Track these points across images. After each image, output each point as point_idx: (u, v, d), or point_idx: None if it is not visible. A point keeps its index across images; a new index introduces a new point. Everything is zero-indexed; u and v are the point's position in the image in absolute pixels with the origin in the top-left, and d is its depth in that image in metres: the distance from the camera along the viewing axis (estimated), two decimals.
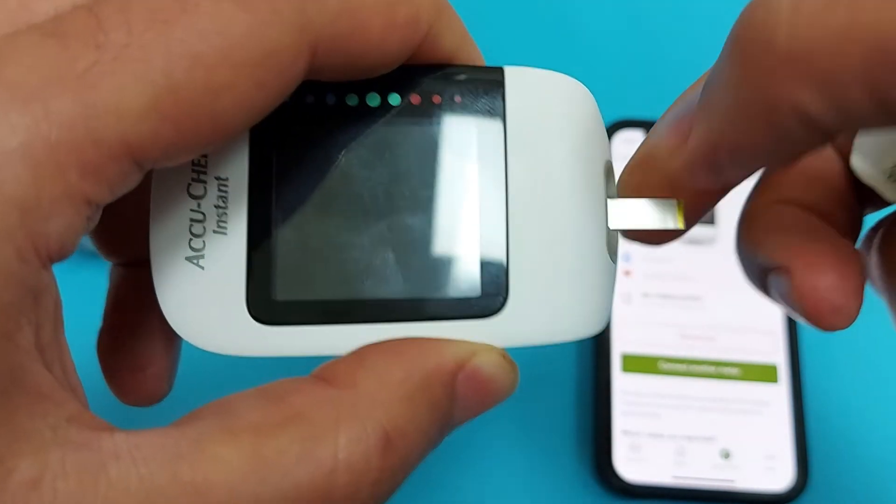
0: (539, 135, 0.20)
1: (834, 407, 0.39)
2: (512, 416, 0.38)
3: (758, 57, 0.15)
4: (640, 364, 0.38)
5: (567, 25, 0.46)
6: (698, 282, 0.40)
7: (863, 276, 0.19)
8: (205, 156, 0.19)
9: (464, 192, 0.19)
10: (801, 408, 0.38)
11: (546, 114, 0.20)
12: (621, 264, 0.40)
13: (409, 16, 0.18)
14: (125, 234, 0.19)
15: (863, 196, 0.21)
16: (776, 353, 0.38)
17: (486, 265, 0.19)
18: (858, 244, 0.21)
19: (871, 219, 0.22)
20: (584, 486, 0.37)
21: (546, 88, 0.20)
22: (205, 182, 0.19)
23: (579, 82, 0.20)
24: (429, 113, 0.19)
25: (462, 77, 0.20)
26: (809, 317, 0.19)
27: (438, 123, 0.19)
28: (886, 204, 0.21)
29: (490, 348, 0.19)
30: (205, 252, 0.19)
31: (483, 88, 0.20)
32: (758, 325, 0.39)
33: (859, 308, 0.19)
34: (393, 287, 0.19)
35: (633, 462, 0.36)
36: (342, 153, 0.19)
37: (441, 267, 0.19)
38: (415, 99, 0.19)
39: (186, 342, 0.19)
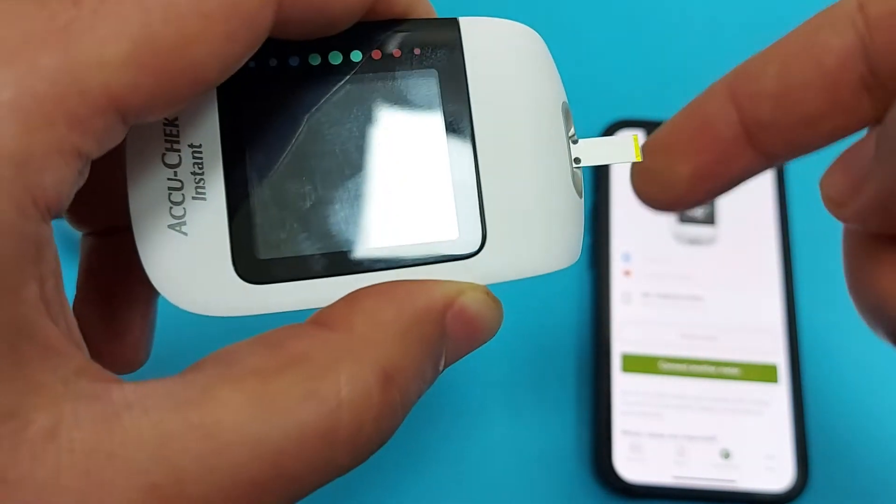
0: (498, 81, 0.20)
1: (834, 407, 0.39)
2: (512, 416, 0.38)
3: None
4: (640, 364, 0.38)
5: (567, 25, 0.46)
6: (698, 282, 0.40)
7: None
8: (176, 125, 0.19)
9: (433, 141, 0.20)
10: (801, 408, 0.38)
11: (503, 60, 0.20)
12: (621, 264, 0.40)
13: None
14: (95, 203, 0.20)
15: None
16: (776, 353, 0.39)
17: (461, 209, 0.20)
18: None
19: None
20: (583, 486, 0.37)
21: (500, 36, 0.20)
22: (178, 151, 0.19)
23: (530, 28, 0.21)
24: (391, 66, 0.20)
25: (419, 30, 0.20)
26: None
27: (401, 76, 0.20)
28: None
29: (475, 286, 0.19)
30: (186, 218, 0.19)
31: (441, 39, 0.20)
32: (758, 325, 0.39)
33: None
34: (374, 237, 0.19)
35: (633, 462, 0.36)
36: (310, 111, 0.20)
37: (418, 214, 0.20)
38: (376, 54, 0.20)
39: (163, 308, 0.19)
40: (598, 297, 0.39)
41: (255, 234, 0.19)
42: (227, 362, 0.17)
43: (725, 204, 0.40)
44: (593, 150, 0.21)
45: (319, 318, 0.18)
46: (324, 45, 0.20)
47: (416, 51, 0.20)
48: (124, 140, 0.17)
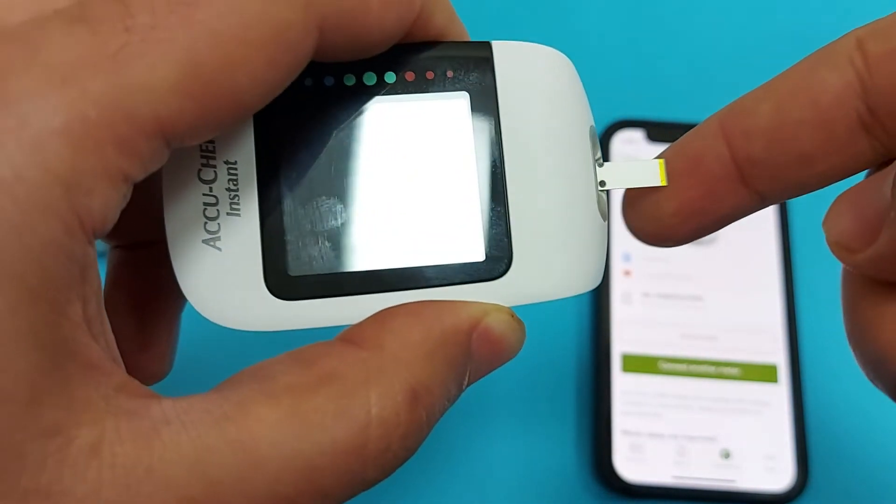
0: (529, 104, 0.20)
1: (834, 407, 0.39)
2: (512, 416, 0.38)
3: None
4: (641, 364, 0.38)
5: (567, 25, 0.46)
6: (698, 282, 0.40)
7: None
8: (212, 142, 0.19)
9: (462, 162, 0.20)
10: (801, 408, 0.38)
11: (533, 84, 0.21)
12: (621, 264, 0.40)
13: None
14: (126, 217, 0.20)
15: None
16: (776, 353, 0.39)
17: (489, 231, 0.20)
18: None
19: None
20: (583, 485, 0.37)
21: (531, 59, 0.21)
22: (214, 167, 0.19)
23: (560, 52, 0.21)
24: (423, 88, 0.20)
25: (452, 53, 0.20)
26: None
27: (433, 98, 0.20)
28: None
29: (500, 308, 0.20)
30: (220, 234, 0.19)
31: (473, 62, 0.20)
32: (758, 325, 0.39)
33: None
34: (402, 257, 0.20)
35: (633, 462, 0.36)
36: (343, 131, 0.20)
37: (447, 235, 0.20)
38: (409, 76, 0.20)
39: (186, 321, 0.19)
40: (598, 297, 0.39)
41: (286, 251, 0.19)
42: (261, 378, 0.17)
43: None
44: (618, 174, 0.21)
45: (349, 336, 0.19)
46: (359, 66, 0.20)
47: (449, 73, 0.20)
48: None
